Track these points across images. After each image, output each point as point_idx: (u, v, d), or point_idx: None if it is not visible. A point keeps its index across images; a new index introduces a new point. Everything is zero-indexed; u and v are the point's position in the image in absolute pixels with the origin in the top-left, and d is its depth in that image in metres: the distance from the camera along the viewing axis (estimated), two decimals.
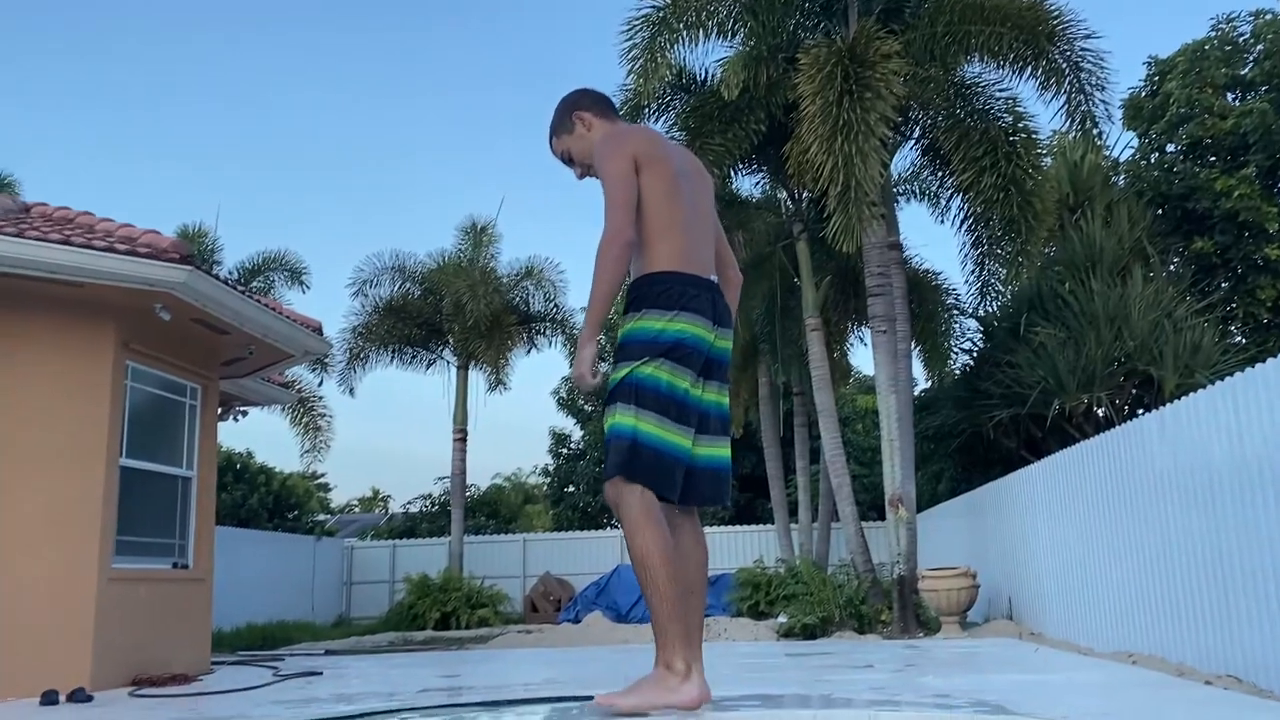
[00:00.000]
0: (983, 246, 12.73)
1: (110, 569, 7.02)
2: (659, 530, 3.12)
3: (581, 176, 3.74)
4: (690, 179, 3.54)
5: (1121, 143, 20.61)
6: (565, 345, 20.47)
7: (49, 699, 6.07)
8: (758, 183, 15.35)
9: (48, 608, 6.66)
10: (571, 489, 26.90)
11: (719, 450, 3.39)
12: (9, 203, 7.72)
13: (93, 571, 6.85)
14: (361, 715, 5.04)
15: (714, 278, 3.44)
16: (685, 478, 3.26)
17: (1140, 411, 13.31)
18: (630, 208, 3.28)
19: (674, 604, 3.07)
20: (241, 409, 11.74)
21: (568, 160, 3.78)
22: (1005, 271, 12.46)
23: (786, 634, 10.79)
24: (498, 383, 19.98)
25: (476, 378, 20.04)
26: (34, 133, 65.56)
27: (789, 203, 14.41)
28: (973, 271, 13.11)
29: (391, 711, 5.13)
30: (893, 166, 12.83)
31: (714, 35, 12.38)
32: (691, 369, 3.25)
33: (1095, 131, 11.40)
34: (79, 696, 6.16)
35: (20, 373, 6.89)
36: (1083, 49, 11.28)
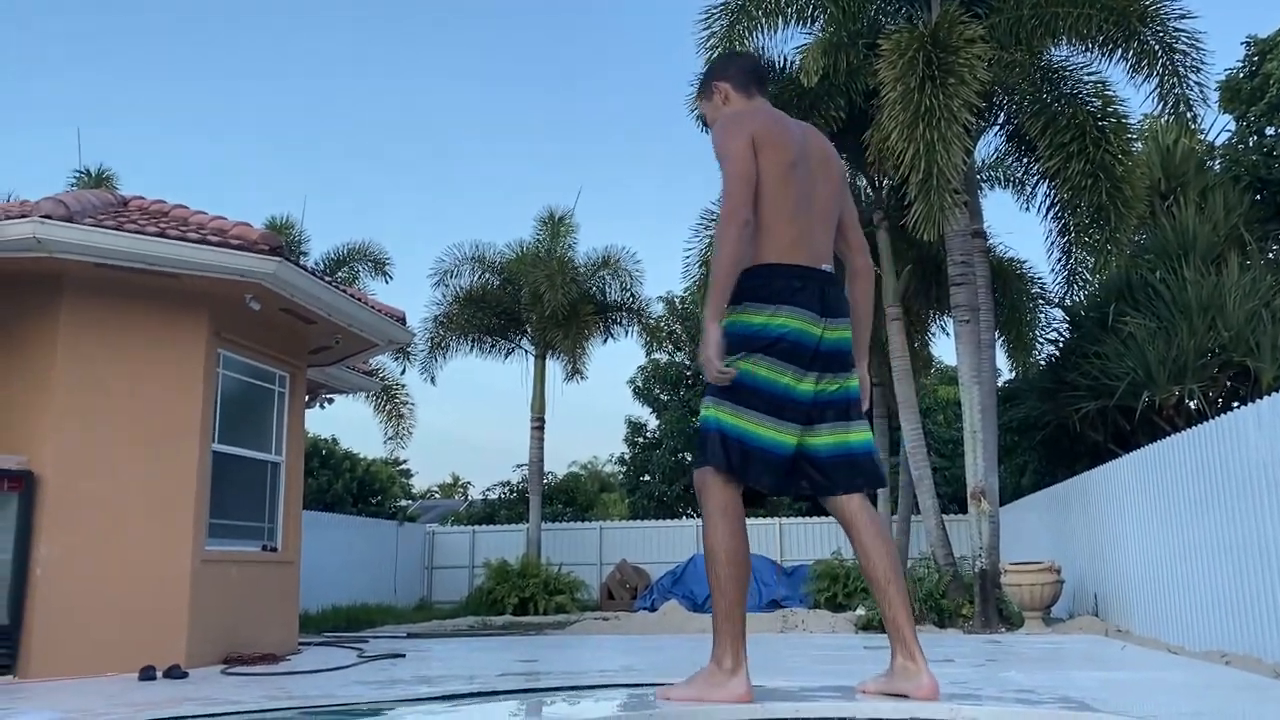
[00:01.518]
0: (1069, 234, 12.39)
1: (204, 550, 7.27)
2: (730, 529, 3.15)
3: None
4: (809, 164, 3.44)
5: (1218, 126, 19.87)
6: (641, 335, 20.53)
7: (147, 675, 6.31)
8: None
9: (146, 588, 6.92)
10: (647, 478, 26.98)
11: (849, 436, 3.30)
12: (108, 197, 8.01)
13: (187, 553, 7.10)
14: (443, 697, 5.15)
15: (827, 267, 3.38)
16: (821, 469, 3.25)
17: (1235, 405, 12.87)
18: (748, 187, 3.23)
19: (731, 603, 3.11)
20: (328, 396, 12.04)
21: (707, 124, 3.79)
22: (1093, 260, 12.11)
23: (865, 627, 10.70)
24: (575, 372, 20.13)
25: (554, 367, 20.23)
26: (128, 127, 67.81)
27: (868, 190, 14.21)
28: (1059, 260, 12.78)
29: (473, 694, 5.23)
30: (976, 153, 12.58)
31: (793, 22, 12.27)
32: (794, 364, 3.21)
33: (1189, 115, 11.00)
34: (175, 673, 6.40)
35: (118, 361, 7.15)
36: (1176, 29, 10.90)
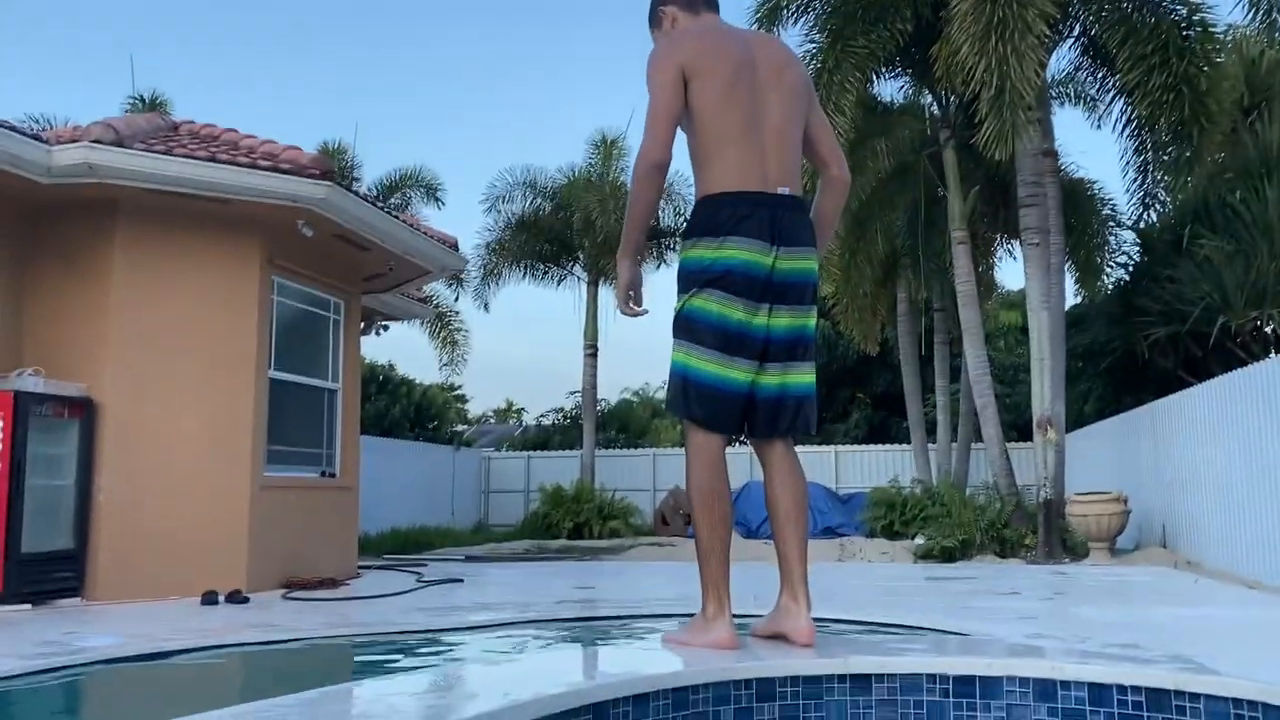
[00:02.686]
0: (1146, 153, 11.84)
1: (262, 477, 7.30)
2: (705, 474, 3.03)
3: None
4: (756, 78, 3.17)
5: None
6: None
7: (209, 599, 6.38)
8: (901, 87, 14.62)
9: (207, 514, 6.98)
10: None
11: (793, 377, 3.12)
12: (159, 121, 7.92)
13: (246, 479, 7.13)
14: (504, 624, 5.12)
15: (786, 190, 3.12)
16: (755, 408, 3.09)
17: None
18: (666, 125, 3.07)
19: (708, 549, 3.00)
20: (383, 323, 12.02)
21: None
22: (1171, 180, 11.57)
23: (924, 555, 10.56)
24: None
25: (606, 294, 20.05)
26: (179, 50, 67.93)
27: (935, 108, 13.68)
28: (1134, 180, 12.24)
29: (530, 621, 5.19)
30: (1049, 67, 12.00)
31: None
32: (745, 297, 3.02)
33: None
34: (236, 598, 6.46)
35: (173, 288, 7.12)
36: None
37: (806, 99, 3.30)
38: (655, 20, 3.49)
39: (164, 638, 4.60)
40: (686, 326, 3.08)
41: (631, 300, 3.34)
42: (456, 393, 34.57)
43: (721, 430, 3.08)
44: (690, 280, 3.09)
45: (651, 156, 3.06)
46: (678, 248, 20.11)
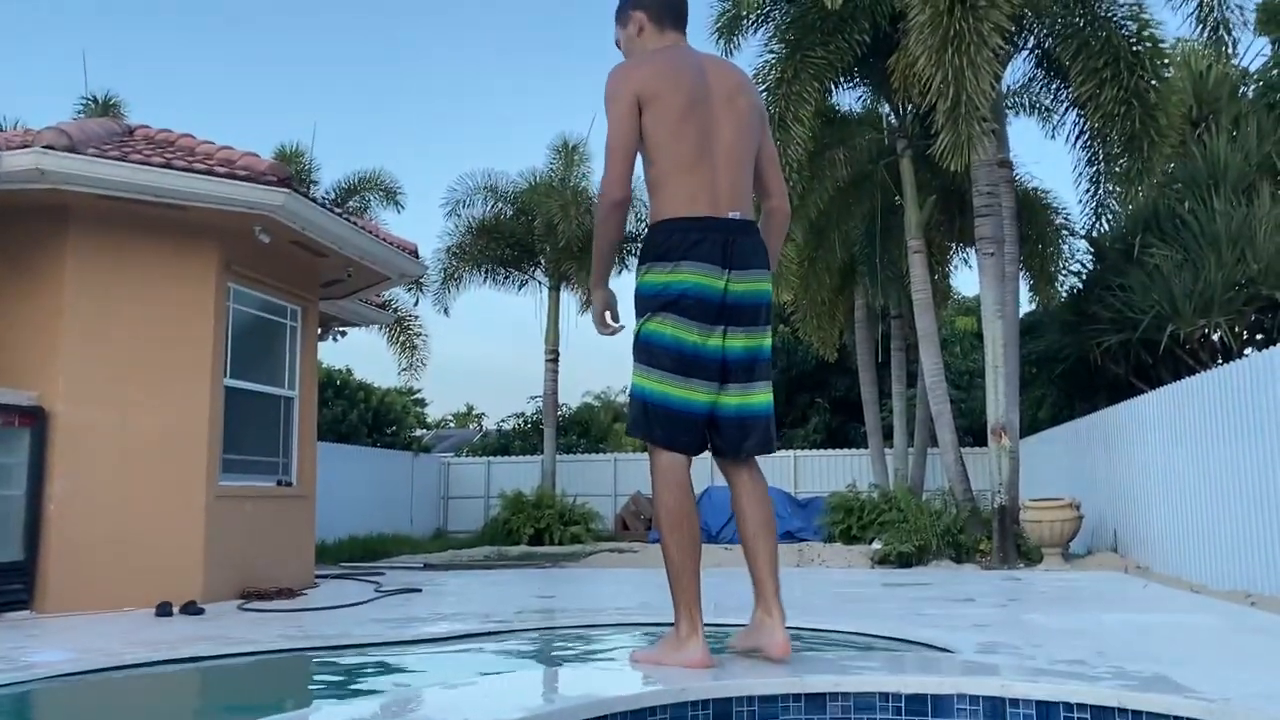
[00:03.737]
0: (1099, 164, 12.07)
1: (218, 486, 7.22)
2: (672, 496, 3.07)
3: None
4: (710, 104, 3.23)
5: (1253, 50, 19.28)
6: None
7: (163, 610, 6.30)
8: (860, 97, 14.77)
9: (161, 523, 6.89)
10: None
11: (751, 397, 3.18)
12: (113, 126, 7.81)
13: (201, 488, 7.05)
14: (462, 636, 5.11)
15: (735, 214, 3.17)
16: (718, 429, 3.16)
17: (1260, 338, 12.63)
18: (624, 162, 3.16)
19: (679, 570, 3.04)
20: (340, 329, 11.94)
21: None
22: (1122, 190, 11.79)
23: (881, 561, 10.66)
24: (589, 304, 19.95)
25: (568, 299, 20.06)
26: (133, 50, 66.94)
27: (892, 118, 13.83)
28: (1086, 190, 12.47)
29: (489, 634, 5.18)
30: (1004, 79, 12.19)
31: None
32: (699, 320, 3.08)
33: (1229, 38, 10.60)
34: (191, 609, 6.38)
35: (127, 295, 7.02)
36: None
37: (759, 125, 3.38)
38: (622, 19, 3.53)
39: (117, 651, 4.54)
40: (644, 349, 3.14)
41: (609, 317, 3.49)
42: (416, 397, 34.36)
43: (684, 450, 3.13)
44: (645, 305, 3.15)
45: (613, 195, 3.17)
46: (634, 255, 20.20)
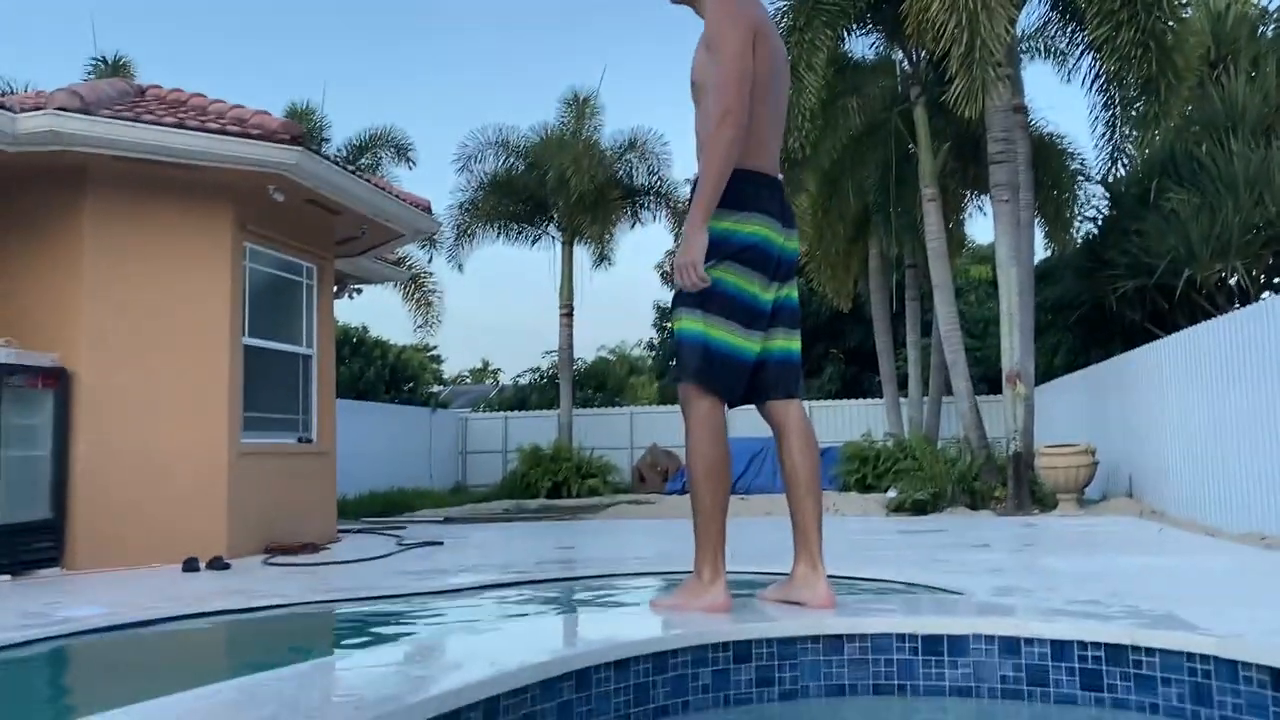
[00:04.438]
0: (1114, 108, 11.91)
1: (240, 444, 7.32)
2: (710, 447, 3.07)
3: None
4: (783, 67, 3.27)
5: None
6: (670, 219, 20.22)
7: (190, 566, 6.42)
8: (873, 44, 14.59)
9: (185, 481, 7.00)
10: (676, 362, 26.98)
11: (790, 343, 3.26)
12: (125, 86, 7.81)
13: (223, 446, 7.15)
14: (485, 586, 5.20)
15: (780, 176, 3.26)
16: (759, 372, 3.19)
17: (1278, 281, 12.54)
18: (746, 85, 2.99)
19: (708, 516, 3.07)
20: (356, 287, 11.97)
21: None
22: (1139, 134, 11.66)
23: (897, 509, 10.74)
24: (602, 258, 19.95)
25: (581, 253, 20.05)
26: (141, 10, 66.49)
27: (905, 65, 13.67)
28: (1102, 135, 12.32)
29: (511, 584, 5.27)
30: (1018, 23, 12.01)
31: None
32: (761, 272, 3.10)
33: None
34: (217, 564, 6.50)
35: (144, 255, 7.07)
36: None
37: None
38: None
39: (148, 606, 4.64)
40: (703, 295, 3.06)
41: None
42: (432, 354, 34.52)
43: (732, 399, 3.15)
44: (711, 250, 3.03)
45: (741, 116, 2.98)
46: (653, 205, 20.13)
